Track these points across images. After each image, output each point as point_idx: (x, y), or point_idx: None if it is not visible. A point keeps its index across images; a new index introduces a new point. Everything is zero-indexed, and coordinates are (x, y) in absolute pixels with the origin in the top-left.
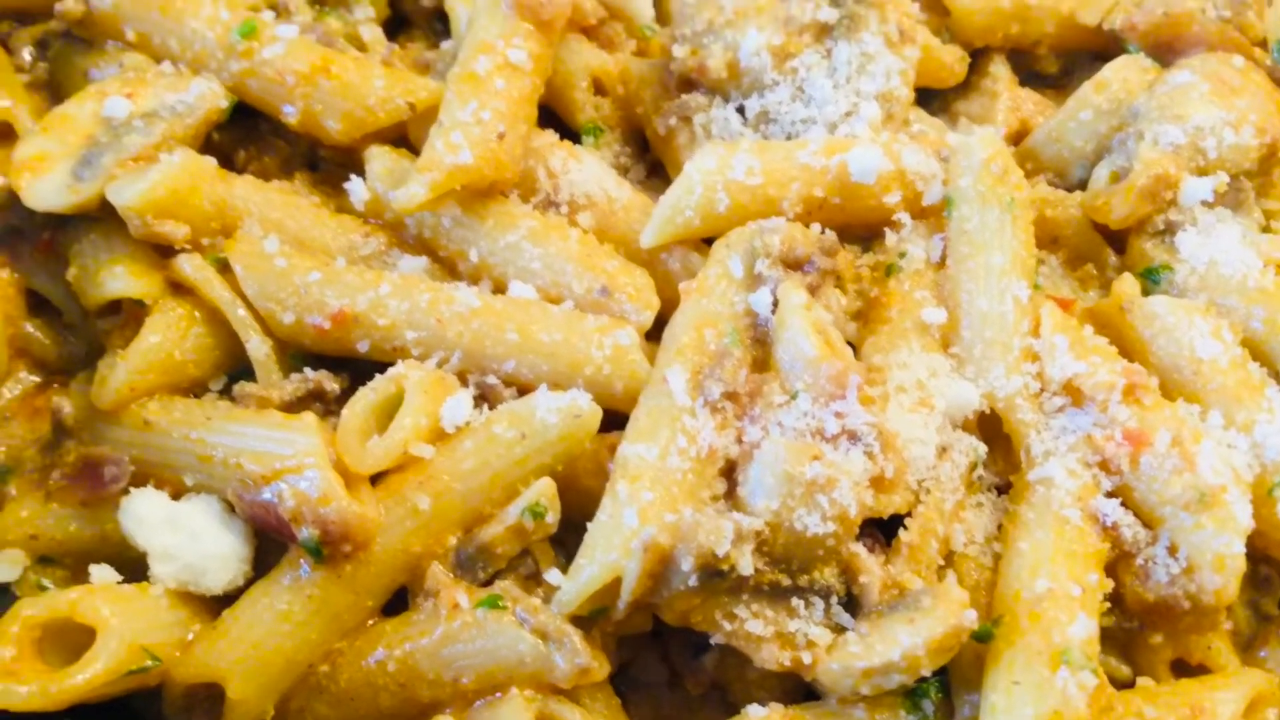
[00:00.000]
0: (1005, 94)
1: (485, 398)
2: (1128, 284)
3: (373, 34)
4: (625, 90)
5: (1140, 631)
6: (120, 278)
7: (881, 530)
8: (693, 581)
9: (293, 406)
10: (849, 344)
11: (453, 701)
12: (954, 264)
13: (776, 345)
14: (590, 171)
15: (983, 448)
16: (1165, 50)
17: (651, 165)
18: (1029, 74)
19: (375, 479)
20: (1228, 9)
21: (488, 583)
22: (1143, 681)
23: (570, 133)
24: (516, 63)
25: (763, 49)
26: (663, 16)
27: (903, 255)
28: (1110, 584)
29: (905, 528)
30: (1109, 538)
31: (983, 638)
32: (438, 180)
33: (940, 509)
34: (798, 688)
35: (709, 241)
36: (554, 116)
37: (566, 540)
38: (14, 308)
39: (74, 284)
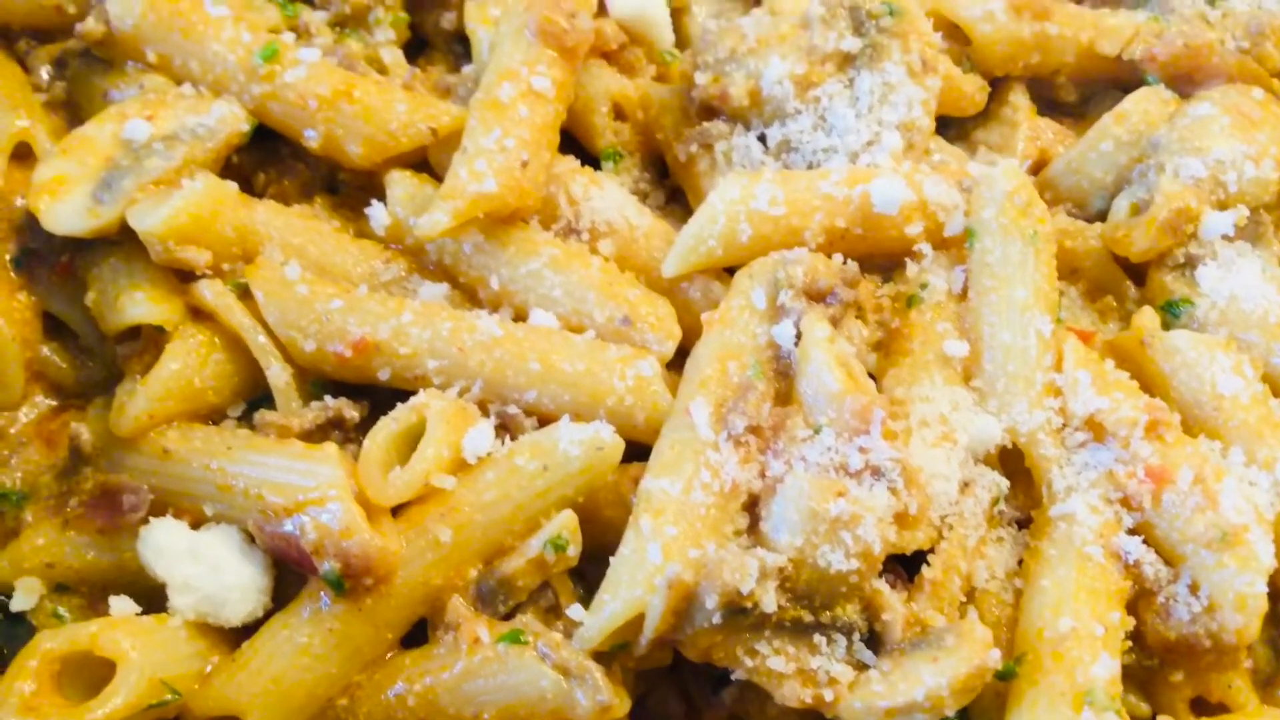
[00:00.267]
0: (1024, 123)
1: (506, 428)
2: (1148, 318)
3: (394, 57)
4: (645, 116)
5: (1160, 669)
6: (141, 303)
7: (904, 566)
8: (716, 619)
9: (312, 434)
10: (869, 375)
11: None
12: (976, 296)
13: (800, 379)
14: (611, 198)
15: (1005, 483)
16: (1184, 81)
17: (671, 191)
18: (1048, 103)
19: (396, 510)
20: (1247, 40)
21: (508, 615)
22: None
23: (588, 157)
24: (540, 90)
25: (785, 78)
26: (683, 41)
27: (924, 286)
28: (1131, 622)
29: (928, 564)
30: (1130, 575)
31: (1005, 676)
32: (461, 208)
33: (963, 545)
34: None
35: (729, 269)
36: (573, 140)
37: (586, 572)
38: (31, 331)
39: (93, 308)
